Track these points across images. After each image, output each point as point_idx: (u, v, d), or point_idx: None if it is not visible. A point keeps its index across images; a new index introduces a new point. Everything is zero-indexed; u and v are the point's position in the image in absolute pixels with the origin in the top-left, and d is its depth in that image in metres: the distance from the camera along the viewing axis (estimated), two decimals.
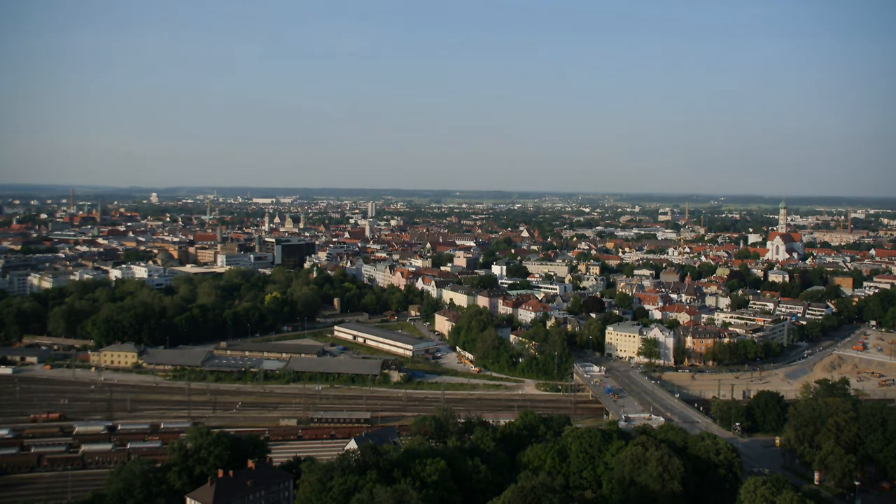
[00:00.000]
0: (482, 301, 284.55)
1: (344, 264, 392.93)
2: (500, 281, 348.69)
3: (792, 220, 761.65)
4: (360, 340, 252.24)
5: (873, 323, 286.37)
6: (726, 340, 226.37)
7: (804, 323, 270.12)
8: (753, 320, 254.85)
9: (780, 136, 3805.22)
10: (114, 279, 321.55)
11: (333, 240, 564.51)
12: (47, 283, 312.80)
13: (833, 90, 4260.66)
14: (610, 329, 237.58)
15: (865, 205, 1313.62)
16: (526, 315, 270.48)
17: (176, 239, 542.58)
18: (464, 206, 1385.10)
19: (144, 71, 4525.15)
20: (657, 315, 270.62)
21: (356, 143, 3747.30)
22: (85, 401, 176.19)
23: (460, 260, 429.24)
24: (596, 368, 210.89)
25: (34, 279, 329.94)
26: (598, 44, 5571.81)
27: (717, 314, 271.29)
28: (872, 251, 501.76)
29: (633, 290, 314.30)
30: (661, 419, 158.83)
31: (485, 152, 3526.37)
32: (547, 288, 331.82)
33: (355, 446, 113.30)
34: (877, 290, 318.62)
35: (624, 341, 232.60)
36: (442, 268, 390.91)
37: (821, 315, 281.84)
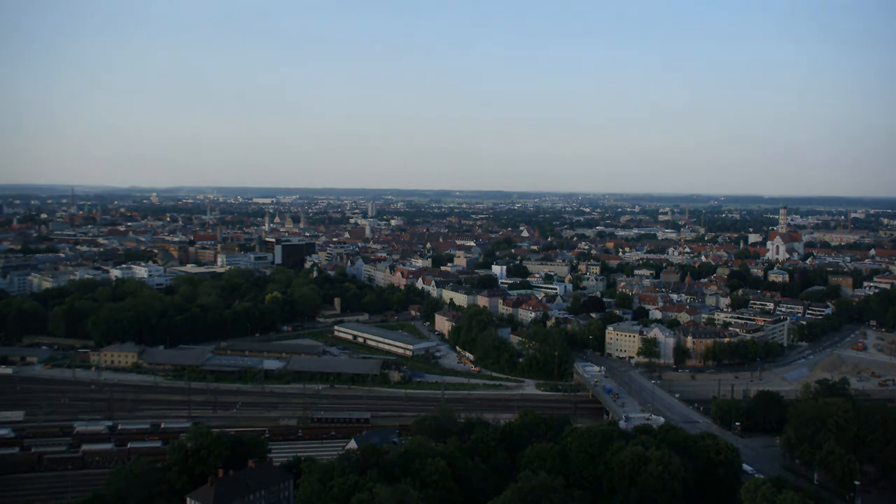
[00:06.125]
0: (482, 301, 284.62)
1: (344, 264, 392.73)
2: (500, 281, 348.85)
3: (792, 220, 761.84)
4: (360, 340, 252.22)
5: (873, 323, 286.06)
6: (726, 340, 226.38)
7: (804, 323, 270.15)
8: (753, 320, 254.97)
9: (780, 137, 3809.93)
10: (114, 279, 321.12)
11: (333, 240, 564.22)
12: (48, 283, 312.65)
13: (834, 90, 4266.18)
14: (610, 329, 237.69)
15: (865, 205, 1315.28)
16: (526, 315, 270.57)
17: (176, 239, 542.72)
18: (464, 206, 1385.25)
19: (144, 71, 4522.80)
20: (657, 315, 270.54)
21: (356, 143, 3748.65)
22: (85, 401, 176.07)
23: (460, 260, 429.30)
24: (596, 368, 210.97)
25: (34, 279, 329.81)
26: (599, 43, 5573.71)
27: (717, 314, 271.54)
28: (872, 251, 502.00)
29: (633, 290, 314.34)
30: (661, 419, 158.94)
31: (485, 152, 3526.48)
32: (547, 288, 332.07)
33: (355, 446, 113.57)
34: (877, 290, 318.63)
35: (624, 341, 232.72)
36: (442, 268, 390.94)
37: (821, 315, 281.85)
